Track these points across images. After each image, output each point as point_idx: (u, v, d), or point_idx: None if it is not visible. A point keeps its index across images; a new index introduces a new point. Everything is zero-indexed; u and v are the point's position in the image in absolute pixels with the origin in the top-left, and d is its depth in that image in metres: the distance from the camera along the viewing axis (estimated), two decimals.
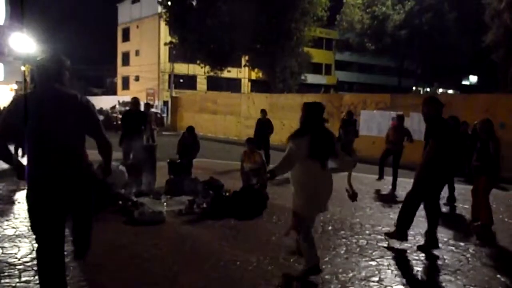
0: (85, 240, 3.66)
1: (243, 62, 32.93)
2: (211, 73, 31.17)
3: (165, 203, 7.56)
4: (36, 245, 3.34)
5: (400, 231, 5.67)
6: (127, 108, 13.56)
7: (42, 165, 3.19)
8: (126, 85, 49.71)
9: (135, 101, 10.18)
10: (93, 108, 3.42)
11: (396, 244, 5.75)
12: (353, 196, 4.60)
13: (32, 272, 4.42)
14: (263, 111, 13.48)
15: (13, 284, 4.17)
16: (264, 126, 13.07)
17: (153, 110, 22.66)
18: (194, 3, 28.30)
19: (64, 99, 3.27)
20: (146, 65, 44.25)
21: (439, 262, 5.18)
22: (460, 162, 7.43)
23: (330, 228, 6.47)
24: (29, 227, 5.83)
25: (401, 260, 5.18)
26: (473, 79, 61.53)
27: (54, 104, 3.21)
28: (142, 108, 13.17)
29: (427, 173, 5.49)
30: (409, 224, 5.68)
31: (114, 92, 50.63)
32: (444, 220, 7.23)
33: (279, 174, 4.30)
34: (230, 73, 35.56)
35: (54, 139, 3.18)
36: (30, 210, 3.27)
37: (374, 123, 16.39)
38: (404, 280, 4.60)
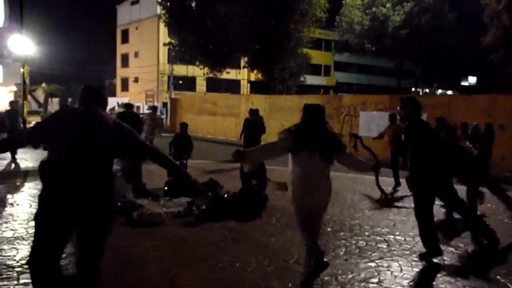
0: (92, 268, 3.35)
1: (242, 64, 32.95)
2: (210, 75, 31.18)
3: (163, 205, 7.56)
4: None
5: (432, 248, 5.25)
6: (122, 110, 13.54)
7: (68, 173, 3.11)
8: (125, 86, 49.73)
9: (127, 105, 10.29)
10: (132, 131, 3.49)
11: (396, 246, 5.75)
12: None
13: None
14: (254, 111, 13.68)
15: (11, 287, 4.16)
16: (253, 126, 13.26)
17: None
18: (193, 5, 28.32)
19: (106, 121, 3.37)
20: (145, 66, 44.26)
21: (439, 263, 5.16)
22: (453, 165, 7.24)
23: (329, 229, 6.46)
24: (28, 230, 5.84)
25: (401, 262, 5.17)
26: (472, 80, 61.68)
27: (96, 122, 3.28)
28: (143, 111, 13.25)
29: (416, 182, 5.28)
30: (435, 238, 5.28)
31: (113, 94, 50.64)
32: (444, 222, 7.23)
33: (249, 157, 4.20)
34: (229, 74, 35.61)
35: (88, 154, 3.16)
36: (40, 213, 3.16)
37: (373, 124, 16.37)
38: (403, 282, 4.59)
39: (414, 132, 5.21)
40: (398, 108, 5.52)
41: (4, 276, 4.39)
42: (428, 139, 5.24)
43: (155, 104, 33.20)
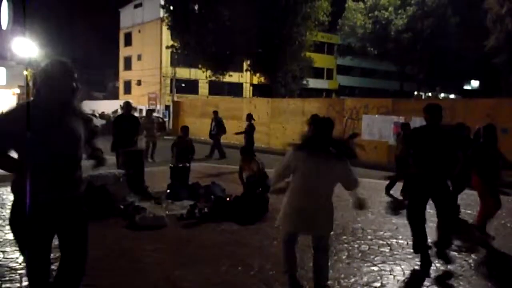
0: (76, 267, 3.19)
1: (244, 67, 33.01)
2: (213, 78, 31.23)
3: (166, 208, 7.56)
4: None
5: (417, 247, 5.31)
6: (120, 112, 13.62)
7: (40, 178, 2.88)
8: (128, 89, 49.85)
9: (127, 104, 10.22)
10: (91, 120, 3.32)
11: (398, 250, 5.73)
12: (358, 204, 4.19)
13: None
14: (250, 115, 14.07)
15: None
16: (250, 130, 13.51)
17: (155, 114, 22.76)
18: (196, 8, 28.39)
19: (71, 111, 3.05)
20: (148, 69, 44.36)
21: (442, 267, 5.15)
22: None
23: (331, 233, 6.44)
24: None
25: (403, 266, 5.15)
26: (474, 83, 61.59)
27: (61, 115, 2.96)
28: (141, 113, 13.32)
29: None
30: (422, 239, 5.28)
31: (116, 97, 50.77)
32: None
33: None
34: (232, 77, 35.60)
35: (56, 153, 2.91)
36: (16, 225, 2.96)
37: (376, 127, 16.37)
38: (406, 286, 4.58)
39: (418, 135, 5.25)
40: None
41: (7, 278, 4.40)
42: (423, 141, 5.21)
43: (157, 107, 33.35)
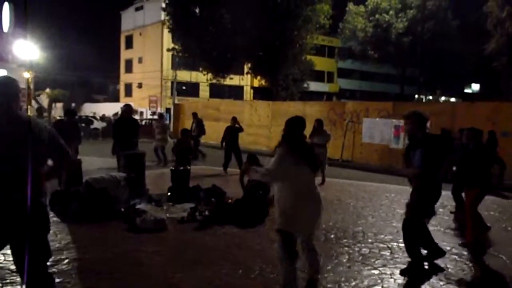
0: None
1: (245, 70, 33.03)
2: (214, 81, 31.27)
3: (167, 211, 7.56)
4: None
5: (434, 252, 5.32)
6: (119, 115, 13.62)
7: None
8: (129, 92, 49.90)
9: (127, 107, 10.22)
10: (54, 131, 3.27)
11: (399, 253, 5.73)
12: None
13: None
14: (234, 118, 14.09)
15: None
16: (234, 133, 13.56)
17: (155, 117, 22.84)
18: (197, 11, 28.45)
19: (24, 122, 3.07)
20: (149, 72, 44.42)
21: (442, 271, 5.14)
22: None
23: (332, 236, 6.45)
24: None
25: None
26: (475, 87, 61.61)
27: (16, 127, 3.01)
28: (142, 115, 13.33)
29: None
30: (433, 243, 5.34)
31: (117, 99, 50.79)
32: (447, 229, 7.21)
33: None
34: (233, 80, 35.62)
35: (11, 163, 2.96)
36: None
37: (376, 131, 16.38)
38: None
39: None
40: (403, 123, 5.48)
41: (8, 280, 4.41)
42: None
43: (158, 109, 33.35)
